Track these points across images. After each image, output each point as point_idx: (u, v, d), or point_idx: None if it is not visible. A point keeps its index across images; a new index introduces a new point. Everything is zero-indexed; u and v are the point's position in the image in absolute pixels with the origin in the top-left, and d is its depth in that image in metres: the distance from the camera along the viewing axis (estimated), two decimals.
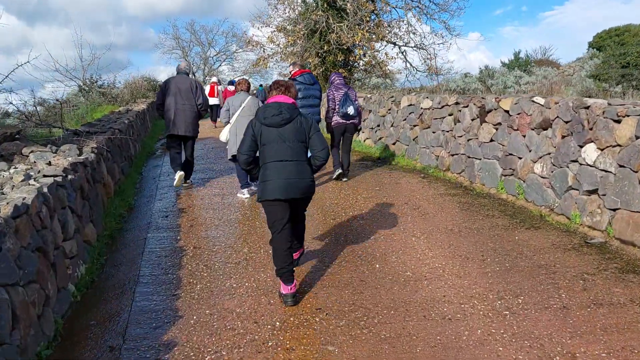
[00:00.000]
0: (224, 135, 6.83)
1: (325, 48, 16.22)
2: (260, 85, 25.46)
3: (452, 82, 31.91)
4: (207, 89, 19.00)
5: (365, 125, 11.49)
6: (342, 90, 7.50)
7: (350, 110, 7.37)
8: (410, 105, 9.29)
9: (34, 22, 60.87)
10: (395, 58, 19.56)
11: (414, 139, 9.10)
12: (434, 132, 8.36)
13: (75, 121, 13.87)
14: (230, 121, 6.74)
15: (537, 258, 4.39)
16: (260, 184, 3.72)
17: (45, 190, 3.58)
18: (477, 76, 32.79)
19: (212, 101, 17.24)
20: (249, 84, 7.33)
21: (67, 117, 14.59)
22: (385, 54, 18.97)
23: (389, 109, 10.23)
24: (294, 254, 3.98)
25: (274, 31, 18.94)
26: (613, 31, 24.18)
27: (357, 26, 16.26)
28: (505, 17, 66.61)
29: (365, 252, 4.67)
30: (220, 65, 57.01)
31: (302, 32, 16.30)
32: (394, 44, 19.72)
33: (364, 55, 17.86)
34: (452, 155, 7.74)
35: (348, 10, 16.12)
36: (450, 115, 7.90)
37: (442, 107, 8.13)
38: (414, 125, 9.10)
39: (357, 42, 16.01)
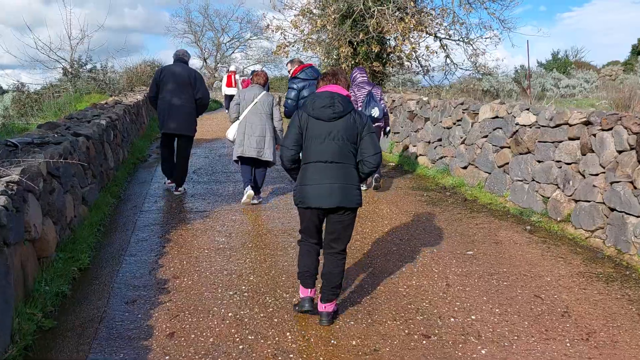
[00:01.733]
0: (231, 133, 6.22)
1: (360, 37, 13.69)
2: (253, 71, 22.73)
3: (484, 82, 29.51)
4: (224, 78, 16.94)
5: (418, 137, 8.98)
6: (365, 88, 6.79)
7: (375, 112, 6.65)
8: (496, 118, 6.76)
9: (50, 1, 60.27)
10: (436, 52, 16.98)
11: (500, 166, 6.59)
12: (540, 162, 5.84)
13: (54, 112, 11.51)
14: (240, 117, 6.16)
15: None
16: (298, 186, 3.30)
17: None
18: (512, 76, 30.11)
19: (229, 91, 15.46)
20: (266, 77, 6.62)
21: (46, 106, 12.25)
22: (427, 47, 16.39)
23: (458, 120, 7.71)
24: (327, 307, 3.30)
25: (298, 15, 16.43)
26: None
27: (400, 11, 13.74)
28: (524, 15, 64.62)
29: None
30: (233, 52, 54.99)
31: (332, 17, 13.77)
32: (435, 36, 17.17)
33: (402, 47, 15.26)
34: (577, 201, 5.22)
35: None
36: (573, 139, 5.38)
37: (557, 126, 5.60)
38: (502, 147, 6.58)
39: (399, 31, 13.45)
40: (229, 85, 16.82)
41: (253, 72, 7.29)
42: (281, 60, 49.70)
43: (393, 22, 13.01)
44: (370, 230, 5.36)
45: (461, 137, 7.57)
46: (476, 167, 7.14)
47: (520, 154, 6.20)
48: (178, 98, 6.50)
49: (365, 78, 7.09)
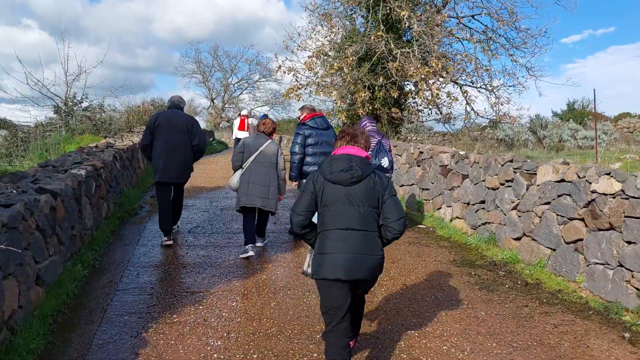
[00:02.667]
0: (234, 182, 6.12)
1: (380, 81, 12.74)
2: (264, 116, 21.79)
3: (499, 131, 28.52)
4: (236, 121, 16.31)
5: (454, 197, 7.76)
6: (374, 138, 6.64)
7: (385, 162, 6.58)
8: (562, 181, 5.55)
9: (65, 39, 61.56)
10: (457, 99, 16.02)
11: (570, 243, 5.32)
12: (631, 243, 4.57)
13: (39, 154, 10.40)
14: (243, 166, 6.07)
15: None
16: (317, 256, 3.07)
17: None
18: (527, 125, 29.14)
19: (241, 135, 15.17)
20: (274, 126, 6.41)
21: (33, 147, 11.17)
22: (448, 93, 15.45)
23: (508, 180, 6.51)
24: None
25: (312, 56, 15.60)
26: None
27: (423, 55, 12.82)
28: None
29: None
30: (241, 93, 55.03)
31: (350, 59, 12.86)
32: (456, 82, 16.28)
33: (421, 93, 14.26)
34: None
35: (414, 35, 12.69)
36: None
37: None
38: (571, 219, 5.34)
39: (423, 75, 12.47)
40: (241, 128, 16.07)
41: (263, 115, 6.84)
42: (289, 102, 49.50)
43: (418, 65, 12.05)
44: (418, 334, 4.04)
45: (512, 202, 6.34)
46: (534, 240, 5.87)
47: (600, 229, 4.94)
48: (174, 146, 6.34)
49: (375, 127, 6.98)
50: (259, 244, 6.40)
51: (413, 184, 9.34)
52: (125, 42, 65.45)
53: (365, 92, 12.74)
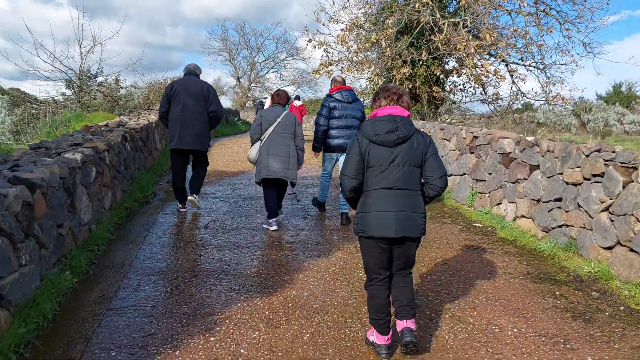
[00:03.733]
0: (252, 154, 6.12)
1: (423, 55, 11.44)
2: (297, 97, 20.37)
3: (539, 113, 26.83)
4: (267, 101, 15.31)
5: (519, 191, 6.55)
6: None
7: None
8: None
9: (95, 17, 65.76)
10: (504, 78, 14.60)
11: None
12: None
13: (47, 132, 9.57)
14: (262, 138, 6.07)
15: None
16: (360, 214, 3.14)
17: None
18: (571, 109, 27.28)
19: None
20: (288, 96, 6.47)
21: (42, 125, 10.35)
22: (495, 71, 14.03)
23: (596, 175, 5.27)
24: (408, 323, 3.16)
25: (345, 29, 14.36)
26: None
27: (475, 27, 11.46)
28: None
29: None
30: (267, 72, 54.10)
31: (389, 31, 11.59)
32: (502, 60, 14.82)
33: (468, 70, 12.89)
34: None
35: (462, 4, 11.30)
36: None
37: None
38: None
39: (473, 50, 11.13)
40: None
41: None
42: (316, 82, 48.16)
43: (469, 37, 10.71)
44: None
45: (602, 202, 5.11)
46: (633, 251, 4.66)
47: None
48: (190, 112, 6.35)
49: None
50: (281, 219, 6.56)
51: (464, 174, 8.14)
52: (155, 20, 66.21)
53: (405, 68, 11.47)
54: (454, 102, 15.20)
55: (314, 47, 14.48)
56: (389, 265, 3.19)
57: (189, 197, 6.68)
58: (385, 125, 3.08)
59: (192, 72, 6.65)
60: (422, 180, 3.17)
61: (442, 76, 13.95)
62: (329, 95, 6.51)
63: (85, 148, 5.51)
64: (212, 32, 75.69)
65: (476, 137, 7.98)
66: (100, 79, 12.00)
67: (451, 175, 8.64)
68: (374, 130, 3.08)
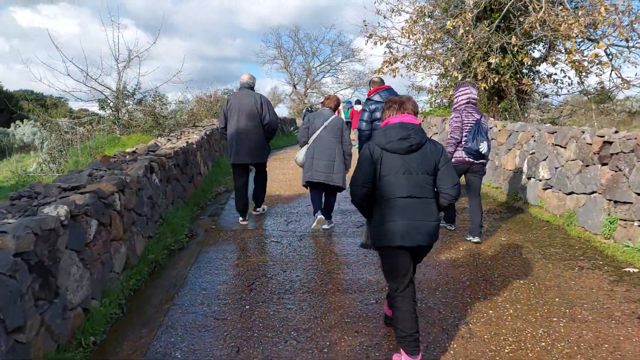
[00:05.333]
0: (299, 158, 6.34)
1: (513, 40, 9.39)
2: (357, 101, 18.75)
3: (633, 102, 23.68)
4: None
5: None
6: (474, 115, 5.80)
7: (484, 147, 5.72)
8: None
9: (113, 19, 65.96)
10: (607, 64, 12.12)
11: None
12: None
13: (74, 161, 8.42)
14: (309, 141, 6.25)
15: None
16: (376, 225, 3.16)
17: None
18: None
19: None
20: (338, 101, 6.56)
21: (73, 152, 9.26)
22: (595, 55, 11.60)
23: None
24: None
25: (409, 21, 12.49)
26: None
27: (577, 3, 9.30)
28: None
29: None
30: (323, 77, 53.14)
31: (468, 15, 9.63)
32: (596, 42, 12.37)
33: (570, 55, 10.63)
34: None
35: None
36: None
37: None
38: None
39: (575, 32, 8.95)
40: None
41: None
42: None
43: (573, 18, 8.55)
44: None
45: None
46: None
47: None
48: (245, 126, 6.52)
49: (476, 100, 6.02)
50: (325, 227, 6.49)
51: (594, 193, 6.10)
52: (214, 34, 69.14)
53: (493, 58, 9.44)
54: (546, 96, 12.90)
55: (375, 43, 12.71)
56: (411, 273, 3.20)
57: (254, 212, 7.15)
58: (397, 132, 3.12)
59: (246, 85, 6.78)
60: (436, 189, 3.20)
61: (533, 65, 11.77)
62: (368, 99, 6.28)
63: (81, 194, 4.07)
64: (266, 41, 75.82)
65: (609, 143, 5.92)
66: (138, 96, 10.84)
67: (571, 193, 6.59)
68: (387, 137, 3.13)
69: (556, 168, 6.98)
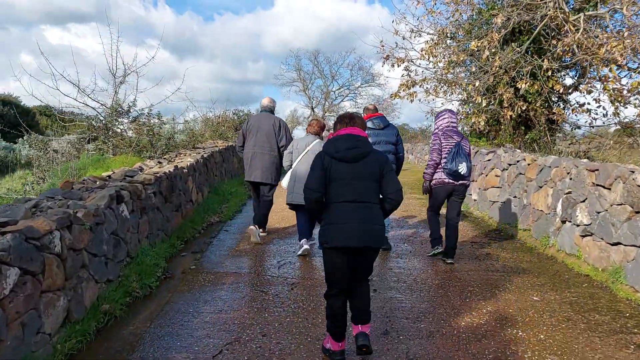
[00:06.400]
0: (284, 183, 6.59)
1: (545, 64, 8.45)
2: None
3: None
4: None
5: None
6: (454, 138, 6.12)
7: (463, 168, 5.99)
8: None
9: (184, 57, 71.94)
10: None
11: None
12: None
13: (49, 185, 7.65)
14: (292, 165, 6.51)
15: None
16: (324, 226, 3.43)
17: None
18: None
19: None
20: (320, 126, 6.72)
21: (52, 173, 8.49)
22: (639, 83, 10.57)
23: None
24: (363, 328, 3.51)
25: (431, 41, 11.64)
26: None
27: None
28: None
29: None
30: (342, 101, 52.89)
31: (495, 35, 8.74)
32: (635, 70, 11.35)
33: (609, 83, 9.62)
34: None
35: None
36: None
37: None
38: None
39: (619, 53, 7.97)
40: None
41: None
42: (393, 108, 45.59)
43: (616, 40, 7.57)
44: None
45: None
46: None
47: None
48: (261, 147, 6.97)
49: (456, 125, 6.32)
50: (306, 247, 6.47)
51: None
52: (237, 57, 71.16)
53: (524, 82, 8.49)
54: (579, 127, 11.84)
55: (392, 65, 11.86)
56: (349, 276, 3.45)
57: (250, 227, 7.06)
58: (345, 143, 3.46)
59: (267, 108, 7.25)
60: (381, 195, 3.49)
61: (564, 93, 10.78)
62: None
63: (0, 235, 3.20)
64: (285, 63, 76.22)
65: None
66: (134, 114, 10.07)
67: (618, 244, 5.54)
68: (336, 147, 3.46)
69: (598, 212, 5.95)
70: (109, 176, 6.19)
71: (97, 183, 5.65)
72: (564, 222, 6.76)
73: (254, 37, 76.02)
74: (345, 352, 3.49)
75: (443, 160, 6.05)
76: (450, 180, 6.05)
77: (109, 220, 4.82)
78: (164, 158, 8.90)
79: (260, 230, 7.17)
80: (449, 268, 6.03)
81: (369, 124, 6.41)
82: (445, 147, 6.07)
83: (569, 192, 6.68)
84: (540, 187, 7.54)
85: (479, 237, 7.76)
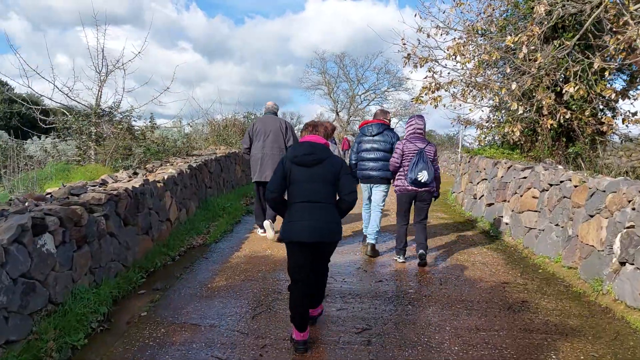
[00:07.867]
0: None
1: (596, 65, 7.00)
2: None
3: None
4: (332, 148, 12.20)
5: None
6: (416, 145, 6.33)
7: (423, 176, 6.17)
8: None
9: (213, 60, 73.85)
10: None
11: None
12: None
13: (3, 196, 6.56)
14: None
15: None
16: (285, 223, 3.86)
17: None
18: None
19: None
20: (332, 128, 6.06)
21: (14, 184, 7.41)
22: None
23: None
24: (312, 311, 4.10)
25: (461, 39, 10.26)
26: None
27: None
28: None
29: None
30: (367, 105, 51.66)
31: (537, 29, 7.32)
32: None
33: None
34: None
35: None
36: None
37: None
38: None
39: None
40: (345, 148, 11.98)
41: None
42: (420, 112, 44.08)
43: None
44: None
45: None
46: None
47: None
48: (269, 148, 7.31)
49: (422, 130, 6.49)
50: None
51: None
52: (267, 60, 73.14)
53: (571, 86, 7.05)
54: (630, 140, 10.26)
55: (415, 65, 10.51)
56: (309, 268, 3.85)
57: (264, 222, 7.39)
58: (305, 148, 3.89)
59: (271, 111, 7.61)
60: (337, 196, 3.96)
61: (612, 100, 9.26)
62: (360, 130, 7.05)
63: None
64: (310, 66, 75.25)
65: None
66: (118, 116, 8.97)
67: None
68: (295, 152, 3.90)
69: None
70: (50, 194, 5.03)
71: (26, 204, 4.48)
72: (623, 263, 5.31)
73: (283, 40, 76.83)
74: (307, 342, 3.83)
75: (405, 169, 6.35)
76: (413, 188, 6.32)
77: (14, 259, 3.63)
78: (145, 168, 7.75)
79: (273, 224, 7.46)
80: (474, 325, 4.65)
81: (363, 131, 6.83)
82: (408, 155, 6.34)
83: (631, 227, 5.23)
84: (591, 217, 6.09)
85: (513, 276, 6.32)
